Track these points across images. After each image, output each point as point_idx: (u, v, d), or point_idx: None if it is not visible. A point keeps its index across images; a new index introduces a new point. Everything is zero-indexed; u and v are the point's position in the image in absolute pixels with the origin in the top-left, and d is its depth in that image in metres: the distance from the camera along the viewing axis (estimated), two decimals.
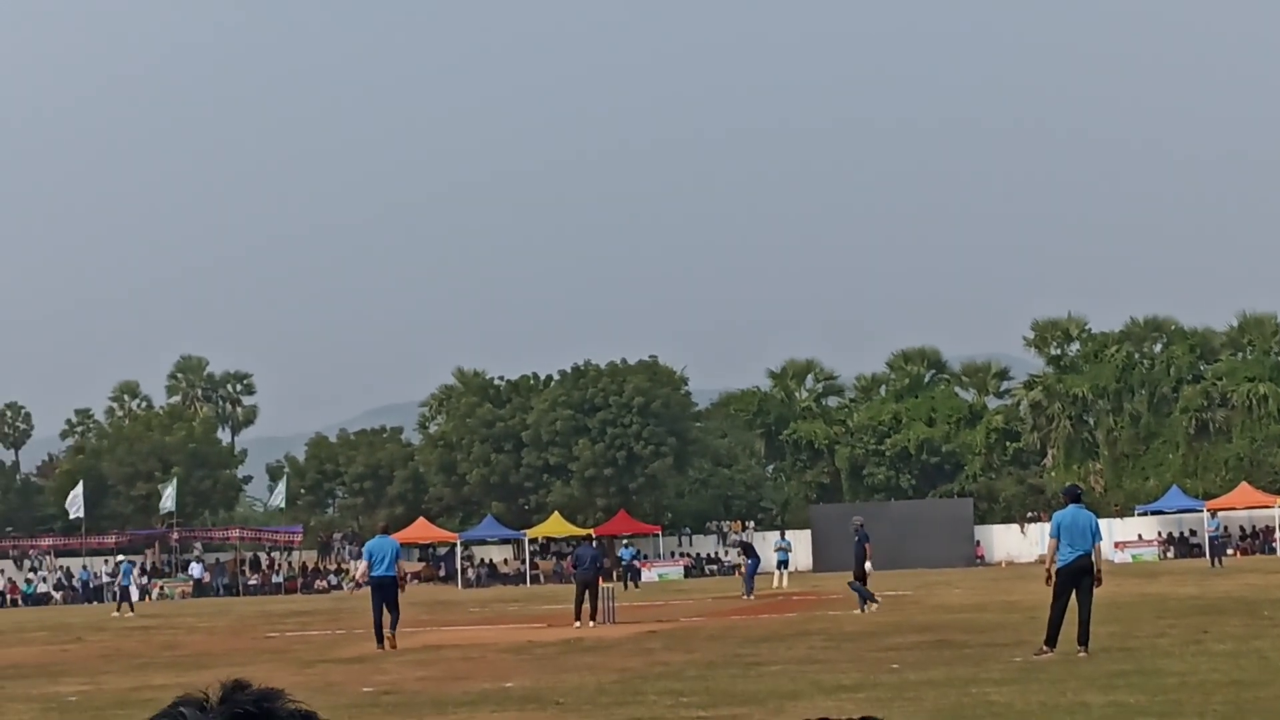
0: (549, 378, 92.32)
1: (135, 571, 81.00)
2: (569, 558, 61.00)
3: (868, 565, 35.75)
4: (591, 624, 33.70)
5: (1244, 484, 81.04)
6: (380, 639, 28.71)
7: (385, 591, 28.91)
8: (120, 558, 69.27)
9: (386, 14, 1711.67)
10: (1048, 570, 21.66)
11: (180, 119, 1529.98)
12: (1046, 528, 23.50)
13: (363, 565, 29.51)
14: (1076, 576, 21.31)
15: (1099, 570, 21.64)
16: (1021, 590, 42.22)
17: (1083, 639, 21.13)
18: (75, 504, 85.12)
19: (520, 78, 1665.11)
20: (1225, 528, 75.65)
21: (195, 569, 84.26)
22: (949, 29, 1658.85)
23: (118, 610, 57.46)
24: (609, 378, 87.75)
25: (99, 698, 21.32)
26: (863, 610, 34.57)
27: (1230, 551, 73.18)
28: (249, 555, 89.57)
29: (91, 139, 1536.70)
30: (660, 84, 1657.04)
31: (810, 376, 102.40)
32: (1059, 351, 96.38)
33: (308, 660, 27.19)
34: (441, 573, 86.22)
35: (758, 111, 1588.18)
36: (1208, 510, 74.53)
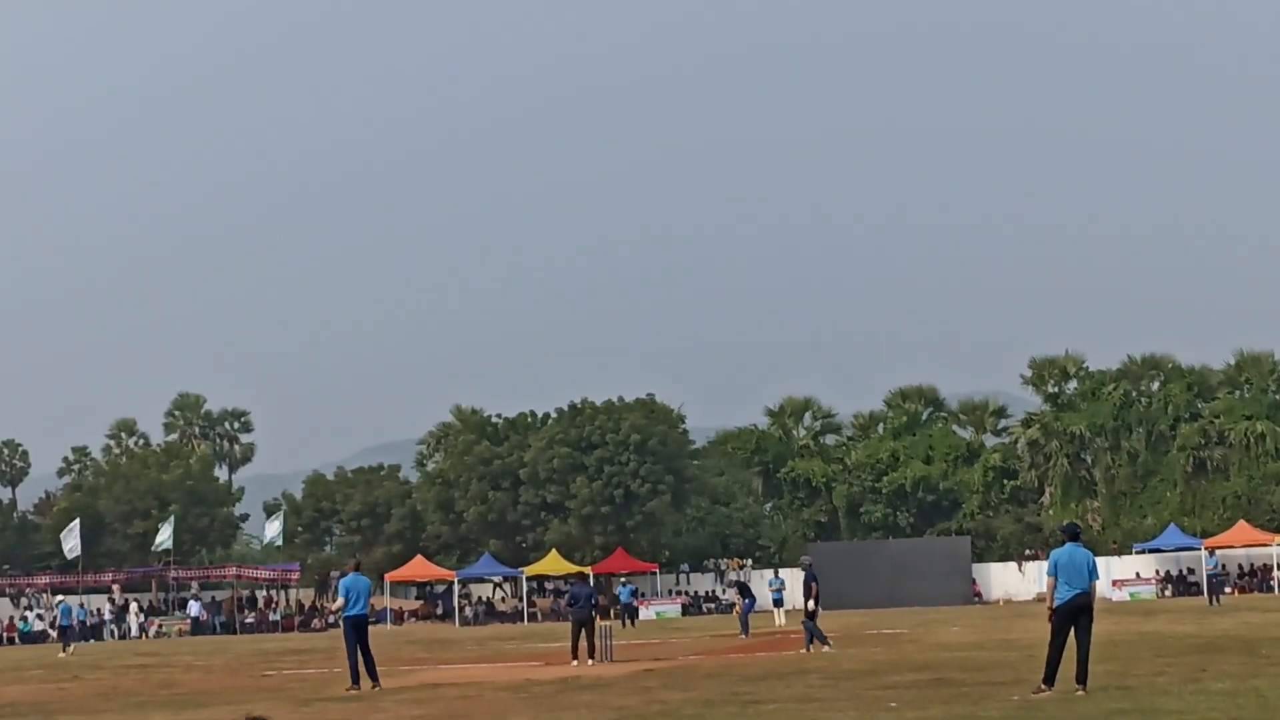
0: (546, 415, 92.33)
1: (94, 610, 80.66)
2: (565, 596, 60.94)
3: (810, 604, 36.15)
4: (590, 662, 33.67)
5: (1242, 522, 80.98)
6: (355, 678, 28.26)
7: (359, 631, 28.55)
8: (59, 598, 69.09)
9: (376, 55, 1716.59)
10: (1050, 608, 21.65)
11: (174, 156, 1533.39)
12: (1044, 566, 23.52)
13: (339, 601, 29.19)
14: (1074, 614, 21.31)
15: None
16: (1019, 628, 42.22)
17: (1081, 677, 21.13)
18: (72, 542, 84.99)
19: (515, 111, 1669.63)
20: (1224, 566, 75.86)
21: (194, 607, 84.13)
22: (948, 59, 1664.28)
23: (64, 651, 57.19)
24: (606, 415, 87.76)
25: None
26: (808, 649, 35.05)
27: (1228, 590, 73.08)
28: (246, 593, 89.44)
29: (88, 177, 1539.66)
30: (656, 116, 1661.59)
31: (808, 414, 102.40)
32: (1056, 389, 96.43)
33: (304, 699, 27.13)
34: (439, 610, 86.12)
35: (756, 146, 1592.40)
36: (1206, 549, 74.47)
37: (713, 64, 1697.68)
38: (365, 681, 28.20)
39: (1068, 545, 21.67)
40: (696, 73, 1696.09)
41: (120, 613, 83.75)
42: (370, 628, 29.25)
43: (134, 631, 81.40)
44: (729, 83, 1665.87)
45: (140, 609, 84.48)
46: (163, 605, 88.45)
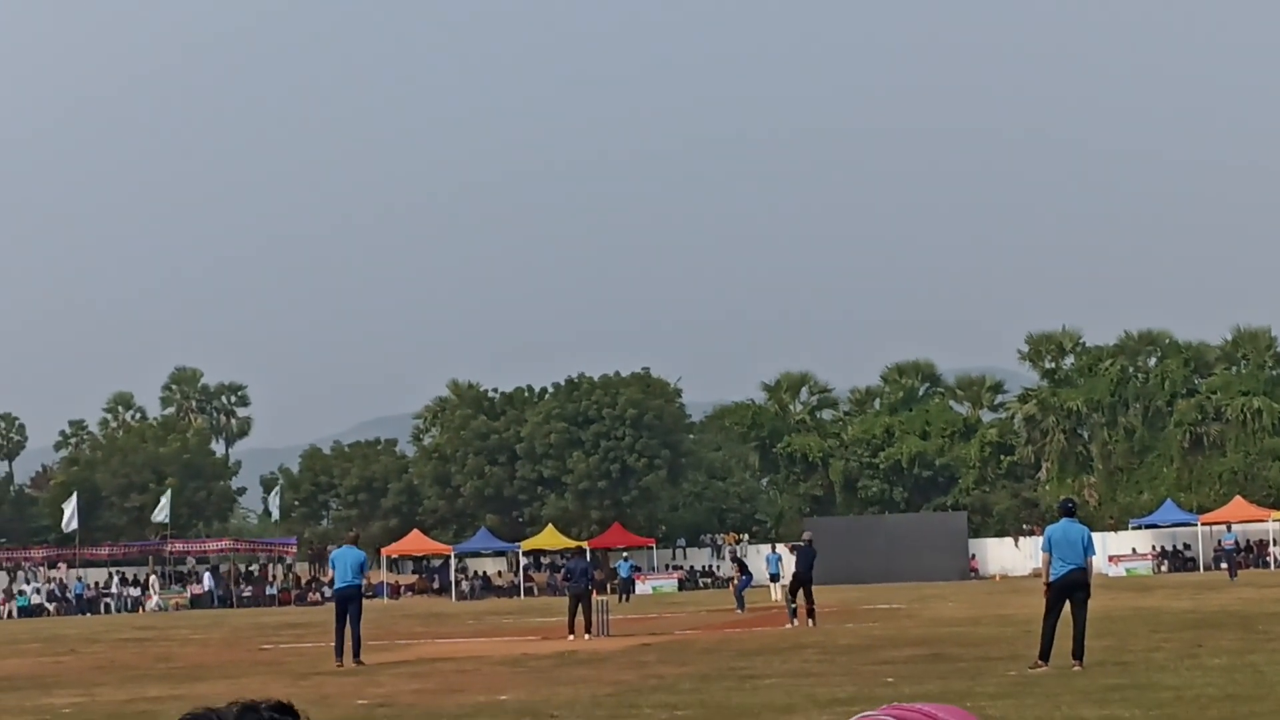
0: (543, 390, 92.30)
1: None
2: (561, 571, 61.04)
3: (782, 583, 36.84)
4: (586, 636, 33.70)
5: (1238, 498, 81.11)
6: (340, 653, 27.69)
7: (349, 603, 27.79)
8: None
9: (381, 25, 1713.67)
10: (1045, 584, 21.61)
11: (173, 130, 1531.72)
12: (1040, 541, 23.54)
13: (331, 574, 28.90)
14: (1069, 590, 21.28)
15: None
16: (1016, 604, 42.27)
17: (1077, 653, 21.11)
18: (70, 515, 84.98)
19: (513, 88, 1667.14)
20: (1248, 541, 77.89)
21: (207, 579, 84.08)
22: (945, 41, 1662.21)
23: None
24: (602, 390, 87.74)
25: (93, 710, 21.27)
26: (810, 623, 35.21)
27: (1223, 565, 73.22)
28: (243, 567, 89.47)
29: (85, 148, 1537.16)
30: (651, 95, 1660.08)
31: (804, 389, 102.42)
32: (1054, 365, 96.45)
33: (302, 673, 27.10)
34: (435, 585, 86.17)
35: (751, 122, 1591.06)
36: (1209, 523, 74.45)
37: (720, 51, 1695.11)
38: (348, 657, 27.63)
39: (1063, 521, 21.66)
40: (697, 56, 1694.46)
41: (109, 584, 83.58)
42: (366, 602, 28.89)
43: (155, 603, 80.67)
44: (729, 69, 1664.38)
45: (135, 582, 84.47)
46: (161, 578, 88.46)
